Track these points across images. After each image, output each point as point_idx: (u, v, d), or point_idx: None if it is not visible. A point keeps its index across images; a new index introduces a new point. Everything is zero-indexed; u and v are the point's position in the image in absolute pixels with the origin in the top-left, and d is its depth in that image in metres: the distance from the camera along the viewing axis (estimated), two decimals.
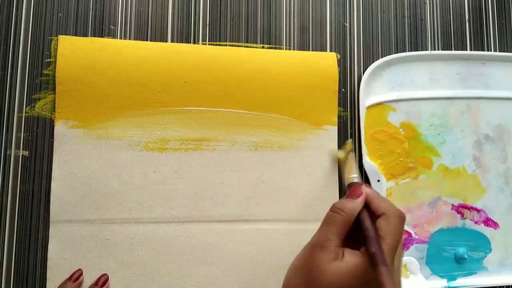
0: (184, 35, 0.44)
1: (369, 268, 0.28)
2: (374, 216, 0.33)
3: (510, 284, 0.47)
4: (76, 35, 0.42)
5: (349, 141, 0.45)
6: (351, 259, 0.30)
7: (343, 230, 0.31)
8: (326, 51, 0.47)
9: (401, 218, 0.32)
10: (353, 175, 0.39)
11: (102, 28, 0.43)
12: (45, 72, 0.41)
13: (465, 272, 0.47)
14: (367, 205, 0.33)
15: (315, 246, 0.31)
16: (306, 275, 0.30)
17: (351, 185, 0.38)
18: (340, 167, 0.44)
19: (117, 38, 0.43)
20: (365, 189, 0.34)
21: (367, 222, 0.32)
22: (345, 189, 0.39)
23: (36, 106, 0.41)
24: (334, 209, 0.32)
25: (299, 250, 0.43)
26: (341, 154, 0.44)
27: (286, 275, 0.32)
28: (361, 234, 0.31)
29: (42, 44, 0.41)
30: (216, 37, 0.45)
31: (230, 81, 0.43)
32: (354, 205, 0.33)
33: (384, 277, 0.27)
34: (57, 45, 0.41)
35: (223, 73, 0.43)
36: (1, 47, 0.41)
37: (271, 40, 0.46)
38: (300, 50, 0.46)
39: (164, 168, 0.41)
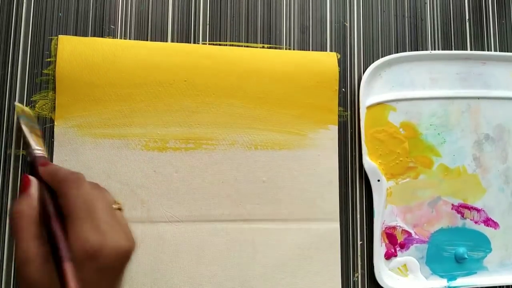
0: (184, 35, 0.44)
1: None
2: (58, 194, 0.29)
3: (510, 284, 0.47)
4: (76, 34, 0.42)
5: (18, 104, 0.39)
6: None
7: (33, 230, 0.28)
8: (326, 50, 0.47)
9: (81, 183, 0.28)
10: (38, 148, 0.34)
11: (102, 27, 0.43)
12: (45, 71, 0.41)
13: (465, 272, 0.47)
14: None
15: (20, 263, 0.27)
16: None
17: (33, 160, 0.33)
18: (24, 131, 0.36)
19: (117, 38, 0.43)
20: (41, 169, 0.30)
21: (49, 212, 0.28)
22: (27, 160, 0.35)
23: (36, 105, 0.41)
24: (12, 214, 0.28)
25: (300, 249, 0.43)
26: (29, 111, 0.38)
27: None
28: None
29: (42, 44, 0.41)
30: (216, 36, 0.45)
31: (230, 81, 0.43)
32: (26, 204, 0.28)
33: (68, 275, 0.24)
34: (57, 45, 0.41)
35: (223, 73, 0.43)
36: (1, 46, 0.41)
37: (271, 39, 0.46)
38: (300, 49, 0.46)
39: (164, 168, 0.41)
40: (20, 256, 0.27)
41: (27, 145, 0.35)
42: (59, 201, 0.28)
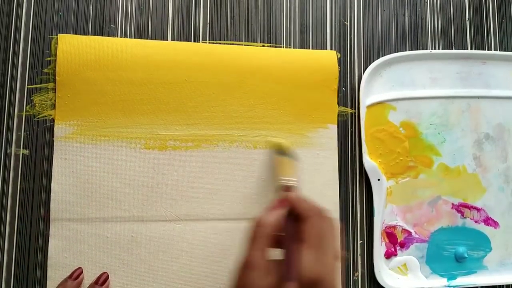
0: (185, 34, 0.44)
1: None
2: (300, 220, 0.33)
3: (510, 283, 0.47)
4: (76, 33, 0.42)
5: (284, 141, 0.43)
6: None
7: (268, 243, 0.32)
8: (326, 50, 0.47)
9: (325, 219, 0.33)
10: (290, 178, 0.38)
11: (103, 26, 0.43)
12: (45, 70, 0.41)
13: (465, 271, 0.47)
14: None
15: (246, 267, 0.31)
16: None
17: (284, 188, 0.38)
18: (277, 162, 0.42)
19: (117, 37, 0.43)
20: (291, 195, 0.35)
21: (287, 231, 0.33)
22: (277, 187, 0.39)
23: (36, 104, 0.41)
24: (256, 224, 0.32)
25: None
26: (285, 145, 0.42)
27: None
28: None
29: (42, 43, 0.41)
30: (217, 35, 0.45)
31: (230, 80, 0.43)
32: (273, 218, 0.33)
33: None
34: (57, 44, 0.41)
35: (223, 72, 0.43)
36: (1, 45, 0.41)
37: (271, 38, 0.46)
38: (300, 48, 0.46)
39: (164, 167, 0.41)
40: (249, 260, 0.30)
41: (287, 172, 0.39)
42: (301, 226, 0.32)
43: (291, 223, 0.33)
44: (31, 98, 0.41)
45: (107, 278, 0.39)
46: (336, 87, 0.45)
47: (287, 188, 0.37)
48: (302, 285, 0.29)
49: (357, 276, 0.45)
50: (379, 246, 0.45)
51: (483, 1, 0.51)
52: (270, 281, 0.29)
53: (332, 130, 0.45)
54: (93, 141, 0.41)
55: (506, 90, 0.49)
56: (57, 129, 0.40)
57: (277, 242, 0.32)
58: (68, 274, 0.38)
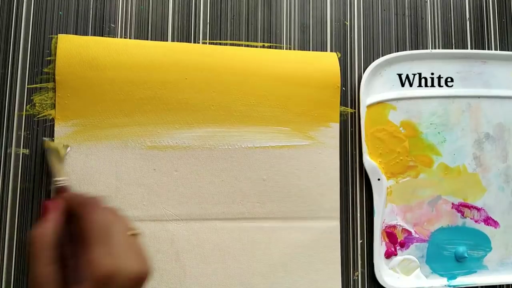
0: (185, 34, 0.44)
1: None
2: (78, 219, 0.30)
3: (510, 283, 0.47)
4: (76, 33, 0.42)
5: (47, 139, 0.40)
6: None
7: (51, 255, 0.28)
8: (326, 49, 0.47)
9: (101, 208, 0.30)
10: (61, 178, 0.36)
11: (103, 26, 0.43)
12: (45, 70, 0.41)
13: (465, 270, 0.47)
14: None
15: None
16: None
17: (56, 190, 0.36)
18: (50, 164, 0.39)
19: (117, 37, 0.43)
20: (62, 196, 0.32)
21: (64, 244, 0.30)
22: (52, 191, 0.38)
23: (37, 104, 0.41)
24: (32, 238, 0.29)
25: (300, 247, 0.43)
26: (53, 146, 0.39)
27: None
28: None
29: (42, 42, 0.41)
30: (217, 35, 0.45)
31: (231, 79, 0.43)
32: (49, 226, 0.29)
33: None
34: (56, 44, 0.41)
35: (224, 71, 0.43)
36: (1, 45, 0.41)
37: (271, 38, 0.46)
38: (300, 48, 0.46)
39: (164, 166, 0.41)
40: (35, 280, 0.27)
41: (51, 176, 0.37)
42: (78, 224, 0.29)
43: (73, 225, 0.30)
44: (31, 98, 0.41)
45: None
46: (338, 85, 0.45)
47: (60, 190, 0.35)
48: (94, 285, 0.26)
49: (357, 276, 0.45)
50: (379, 246, 0.45)
51: (484, 1, 0.51)
52: None
53: (334, 129, 0.45)
54: (93, 140, 0.41)
55: (507, 89, 0.49)
56: (57, 128, 0.40)
57: (63, 249, 0.29)
58: None
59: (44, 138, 0.40)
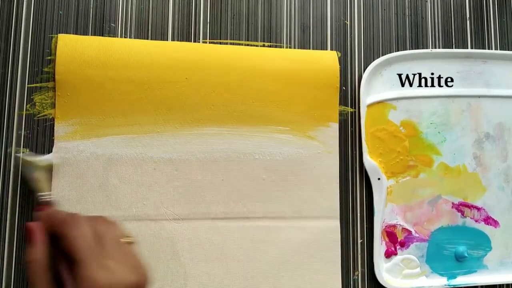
0: (185, 33, 0.44)
1: None
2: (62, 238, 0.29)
3: (510, 283, 0.47)
4: (76, 32, 0.42)
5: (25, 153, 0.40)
6: None
7: (46, 277, 0.28)
8: (326, 49, 0.47)
9: (81, 224, 0.28)
10: (44, 193, 0.36)
11: (103, 26, 0.43)
12: (45, 69, 0.41)
13: (465, 270, 0.47)
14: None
15: None
16: None
17: (39, 206, 0.35)
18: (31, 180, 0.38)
19: (117, 36, 0.43)
20: (41, 215, 0.30)
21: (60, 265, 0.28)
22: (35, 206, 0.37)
23: (37, 103, 0.41)
24: (27, 264, 0.28)
25: (300, 247, 0.43)
26: (31, 160, 0.38)
27: None
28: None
29: (42, 42, 0.41)
30: (217, 35, 0.45)
31: (231, 78, 0.43)
32: (38, 250, 0.29)
33: None
34: (56, 43, 0.41)
35: (224, 71, 0.43)
36: (1, 45, 0.41)
37: (271, 38, 0.46)
38: (300, 48, 0.46)
39: (164, 166, 0.41)
40: None
41: (35, 191, 0.37)
42: (64, 244, 0.28)
43: (60, 242, 0.29)
44: (31, 97, 0.41)
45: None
46: (338, 85, 0.45)
47: (44, 205, 0.35)
48: None
49: (357, 275, 0.45)
50: (379, 245, 0.45)
51: (484, 0, 0.51)
52: None
53: (333, 129, 0.45)
54: (93, 139, 0.41)
55: (507, 89, 0.49)
56: (57, 128, 0.40)
57: (59, 266, 0.28)
58: None
59: (18, 155, 0.39)
